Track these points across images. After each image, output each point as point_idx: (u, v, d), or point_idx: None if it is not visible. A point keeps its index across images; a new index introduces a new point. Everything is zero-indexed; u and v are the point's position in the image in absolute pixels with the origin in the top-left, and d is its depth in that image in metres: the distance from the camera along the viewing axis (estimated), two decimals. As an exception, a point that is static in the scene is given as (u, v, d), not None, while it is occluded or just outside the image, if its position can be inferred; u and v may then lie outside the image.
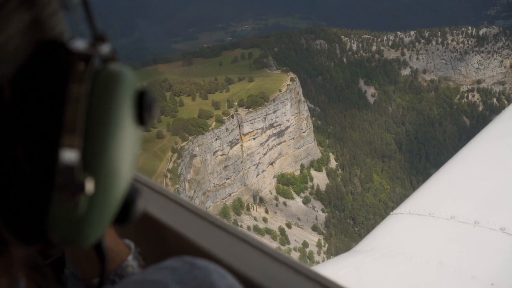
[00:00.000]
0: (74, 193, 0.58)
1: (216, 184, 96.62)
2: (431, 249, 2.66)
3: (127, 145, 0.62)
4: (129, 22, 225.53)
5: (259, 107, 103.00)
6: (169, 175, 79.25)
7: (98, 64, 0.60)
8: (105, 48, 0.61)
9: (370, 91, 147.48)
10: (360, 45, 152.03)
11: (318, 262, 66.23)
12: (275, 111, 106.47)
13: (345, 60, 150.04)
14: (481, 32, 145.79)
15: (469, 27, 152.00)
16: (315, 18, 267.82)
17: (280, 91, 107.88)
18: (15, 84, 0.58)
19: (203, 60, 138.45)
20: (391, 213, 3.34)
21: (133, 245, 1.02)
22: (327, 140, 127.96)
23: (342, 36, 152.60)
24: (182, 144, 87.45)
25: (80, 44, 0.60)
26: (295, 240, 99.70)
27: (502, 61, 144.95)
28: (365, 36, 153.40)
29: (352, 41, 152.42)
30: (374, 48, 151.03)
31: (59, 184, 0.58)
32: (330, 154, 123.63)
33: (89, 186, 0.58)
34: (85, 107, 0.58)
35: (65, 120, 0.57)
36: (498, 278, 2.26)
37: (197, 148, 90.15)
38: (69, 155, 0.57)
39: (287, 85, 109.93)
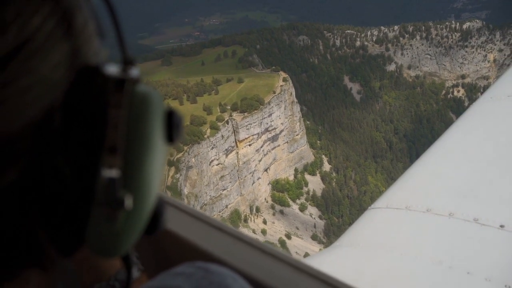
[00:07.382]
0: (115, 208, 0.61)
1: (213, 196, 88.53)
2: (409, 242, 2.75)
3: (159, 162, 0.66)
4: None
5: (255, 111, 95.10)
6: (169, 194, 70.68)
7: (129, 86, 0.63)
8: (134, 72, 0.65)
9: (356, 88, 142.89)
10: (343, 40, 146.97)
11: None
12: (270, 115, 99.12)
13: (329, 56, 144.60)
14: (464, 27, 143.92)
15: (453, 22, 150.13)
16: (284, 11, 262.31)
17: (274, 92, 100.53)
18: (64, 110, 0.62)
19: (183, 58, 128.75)
20: (368, 207, 3.33)
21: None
22: (318, 142, 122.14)
23: (325, 32, 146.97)
24: (178, 156, 78.70)
25: (113, 70, 0.64)
26: (296, 252, 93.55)
27: (486, 56, 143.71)
28: (348, 31, 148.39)
29: (335, 36, 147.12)
30: (358, 43, 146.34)
31: (101, 199, 0.61)
32: (323, 156, 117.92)
33: (128, 202, 0.62)
34: (124, 128, 0.61)
35: (107, 142, 0.61)
36: (474, 266, 2.34)
37: (193, 159, 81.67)
38: (111, 173, 0.60)
39: (281, 86, 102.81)
